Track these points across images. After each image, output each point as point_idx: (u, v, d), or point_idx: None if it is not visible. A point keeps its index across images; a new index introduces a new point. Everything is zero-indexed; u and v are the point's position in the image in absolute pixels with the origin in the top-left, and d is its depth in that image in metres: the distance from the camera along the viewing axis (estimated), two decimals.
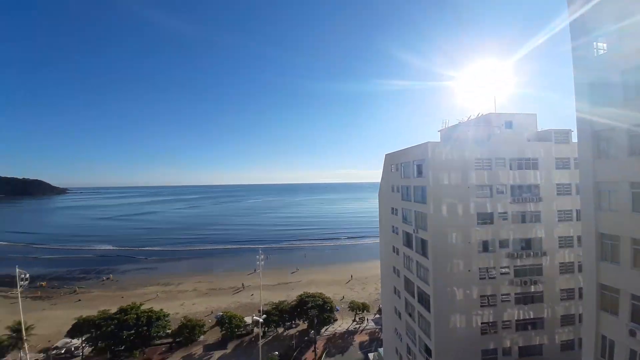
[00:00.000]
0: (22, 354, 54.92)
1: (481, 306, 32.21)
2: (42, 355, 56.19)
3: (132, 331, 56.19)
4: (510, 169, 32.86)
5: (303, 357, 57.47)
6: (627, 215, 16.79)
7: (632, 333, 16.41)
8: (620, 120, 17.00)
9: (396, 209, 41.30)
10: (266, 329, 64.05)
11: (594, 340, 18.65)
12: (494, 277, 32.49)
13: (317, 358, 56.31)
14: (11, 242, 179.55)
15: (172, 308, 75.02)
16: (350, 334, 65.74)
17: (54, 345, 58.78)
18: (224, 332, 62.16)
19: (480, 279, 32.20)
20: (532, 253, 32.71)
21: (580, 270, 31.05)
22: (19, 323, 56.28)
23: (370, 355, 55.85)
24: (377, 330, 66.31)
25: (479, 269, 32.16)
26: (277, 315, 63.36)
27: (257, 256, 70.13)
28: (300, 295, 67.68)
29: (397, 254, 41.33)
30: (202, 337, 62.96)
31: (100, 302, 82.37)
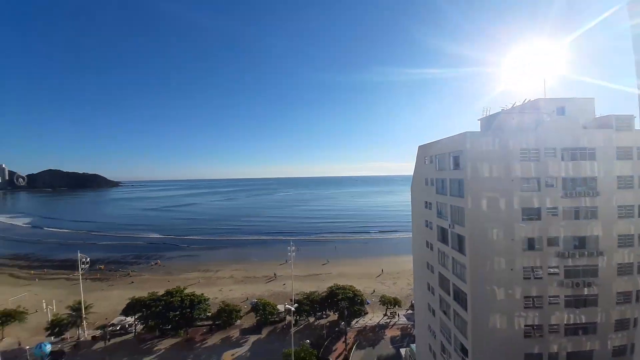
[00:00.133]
0: (80, 331, 62.65)
1: (525, 307, 30.01)
2: (99, 331, 63.57)
3: (177, 312, 61.23)
4: (562, 159, 29.80)
5: (334, 347, 58.44)
6: None
7: None
8: None
9: (430, 203, 39.72)
10: (298, 318, 66.00)
11: None
12: (540, 278, 30.03)
13: (347, 349, 56.93)
14: (73, 229, 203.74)
15: (212, 293, 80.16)
16: (381, 328, 65.38)
17: (110, 322, 66.05)
18: (258, 318, 65.27)
19: (524, 278, 29.94)
20: (586, 252, 29.66)
21: None
22: (79, 302, 64.13)
23: (402, 350, 55.18)
24: (409, 325, 65.17)
25: (523, 268, 29.90)
26: (308, 305, 64.90)
27: (289, 247, 72.32)
28: (331, 287, 68.52)
29: (431, 249, 39.90)
30: (238, 322, 66.68)
31: (149, 284, 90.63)
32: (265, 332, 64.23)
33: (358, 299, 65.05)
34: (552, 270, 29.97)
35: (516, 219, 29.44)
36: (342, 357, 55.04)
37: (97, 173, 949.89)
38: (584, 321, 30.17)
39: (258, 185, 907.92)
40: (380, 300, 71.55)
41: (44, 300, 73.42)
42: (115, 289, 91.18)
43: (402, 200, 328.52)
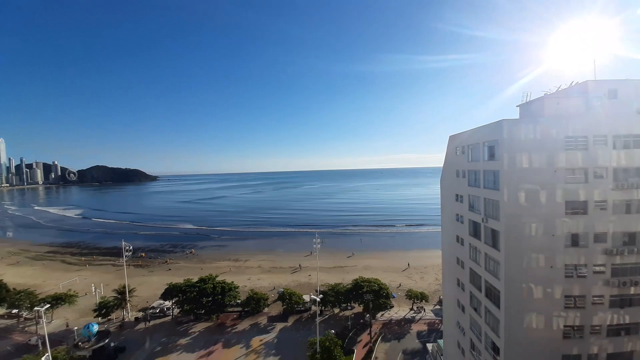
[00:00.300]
0: (124, 313, 68.47)
1: (565, 307, 27.97)
2: (141, 313, 69.09)
3: (210, 298, 64.78)
4: (614, 148, 26.89)
5: (358, 338, 58.71)
6: None
7: None
8: None
9: (461, 196, 37.88)
10: (323, 308, 67.03)
11: None
12: (584, 276, 27.71)
13: (372, 341, 56.92)
14: (117, 220, 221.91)
15: (241, 281, 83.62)
16: (407, 322, 64.47)
17: (151, 306, 71.46)
18: (285, 306, 67.20)
19: (566, 277, 27.79)
20: (635, 250, 26.86)
21: None
22: (124, 287, 69.95)
23: (429, 345, 54.12)
24: (436, 321, 63.62)
25: (565, 265, 27.72)
26: (333, 296, 65.55)
27: (314, 239, 73.14)
28: (356, 280, 68.51)
29: (462, 244, 38.24)
30: (266, 309, 69.16)
31: (185, 271, 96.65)
32: (291, 320, 66.02)
33: (383, 292, 64.51)
34: (597, 268, 27.64)
35: (559, 213, 27.17)
36: (367, 348, 55.18)
37: (137, 168, 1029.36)
38: (627, 321, 27.92)
39: (284, 178, 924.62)
40: (406, 295, 70.41)
41: (92, 284, 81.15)
42: (154, 275, 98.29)
43: (429, 193, 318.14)
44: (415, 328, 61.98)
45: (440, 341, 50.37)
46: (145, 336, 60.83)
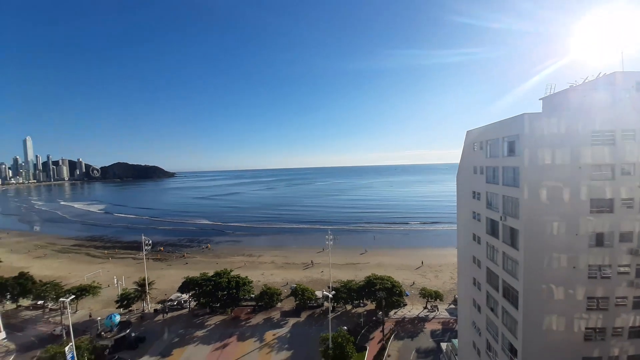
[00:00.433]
0: (144, 304, 71.14)
1: (588, 309, 26.89)
2: (160, 305, 71.58)
3: (225, 292, 66.29)
4: None
5: (371, 336, 58.59)
6: None
7: None
8: None
9: (479, 193, 36.83)
10: (335, 304, 67.25)
11: None
12: (608, 277, 26.57)
13: (385, 338, 56.66)
14: (137, 215, 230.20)
15: (255, 276, 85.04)
16: (420, 320, 63.72)
17: (169, 298, 73.86)
18: (297, 302, 67.90)
19: (589, 277, 26.67)
20: None
21: None
22: (144, 279, 72.59)
23: (443, 345, 53.30)
24: (451, 320, 62.56)
25: (589, 266, 26.56)
26: (346, 293, 65.60)
27: (326, 236, 73.19)
28: (369, 277, 68.24)
29: (479, 242, 37.26)
30: (279, 304, 70.10)
31: (201, 266, 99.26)
32: (304, 315, 66.65)
33: (397, 290, 63.98)
34: (622, 269, 26.50)
35: (583, 211, 25.99)
36: (379, 345, 55.00)
37: (156, 165, 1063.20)
38: None
39: (297, 175, 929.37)
40: (420, 293, 69.54)
41: (115, 276, 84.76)
42: (172, 268, 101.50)
43: (444, 190, 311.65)
44: (429, 327, 61.20)
45: (455, 341, 49.52)
46: (164, 327, 63.06)
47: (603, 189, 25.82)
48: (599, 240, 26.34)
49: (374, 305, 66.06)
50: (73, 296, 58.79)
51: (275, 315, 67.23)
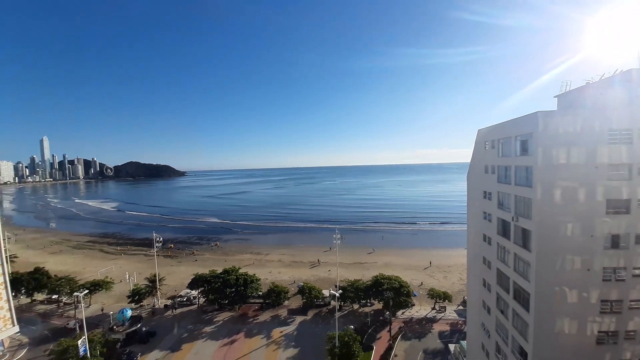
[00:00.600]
0: (155, 300, 72.58)
1: (601, 312, 26.19)
2: (170, 301, 72.91)
3: (233, 289, 67.09)
4: None
5: (378, 335, 58.31)
6: None
7: None
8: None
9: (490, 193, 36.16)
10: (342, 303, 67.19)
11: None
12: (622, 280, 25.81)
13: (392, 338, 56.30)
14: (149, 213, 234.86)
15: (262, 274, 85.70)
16: (428, 321, 63.05)
17: (179, 294, 75.20)
18: (304, 300, 68.13)
19: (603, 280, 25.95)
20: None
21: None
22: (155, 275, 74.01)
23: (451, 346, 52.61)
24: (459, 322, 61.69)
25: (604, 268, 25.80)
26: (353, 292, 65.44)
27: (334, 235, 73.14)
28: (376, 276, 67.87)
29: (489, 243, 36.60)
30: (286, 302, 70.48)
31: (210, 263, 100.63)
32: (310, 314, 66.82)
33: (404, 290, 63.44)
34: (637, 271, 25.81)
35: (599, 212, 25.25)
36: (386, 345, 54.68)
37: (167, 164, 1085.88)
38: None
39: (305, 174, 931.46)
40: (428, 294, 68.79)
41: (127, 272, 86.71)
42: (182, 265, 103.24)
43: (454, 190, 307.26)
44: (437, 328, 60.51)
45: (463, 342, 48.85)
46: (174, 323, 64.21)
47: (620, 189, 25.02)
48: (615, 242, 25.62)
49: (381, 305, 65.69)
50: (87, 291, 60.33)
51: (283, 313, 67.61)
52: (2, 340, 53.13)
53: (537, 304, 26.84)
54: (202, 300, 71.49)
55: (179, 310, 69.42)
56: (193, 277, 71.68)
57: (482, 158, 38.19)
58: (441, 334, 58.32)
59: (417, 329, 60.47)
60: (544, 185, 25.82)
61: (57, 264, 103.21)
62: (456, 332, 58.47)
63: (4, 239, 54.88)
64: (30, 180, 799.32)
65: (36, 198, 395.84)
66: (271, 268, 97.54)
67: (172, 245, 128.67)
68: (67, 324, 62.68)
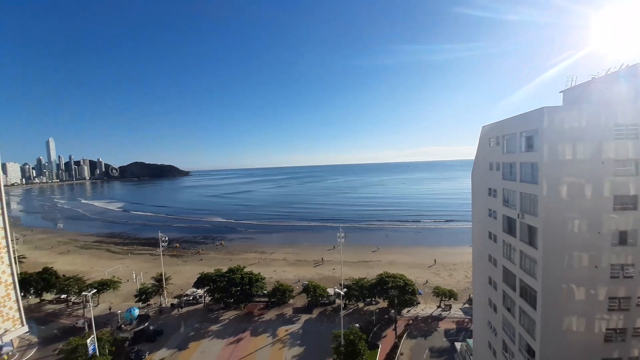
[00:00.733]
0: (162, 299, 73.34)
1: (609, 310, 26.01)
2: (176, 300, 73.63)
3: (238, 288, 67.52)
4: None
5: (383, 334, 58.38)
6: None
7: None
8: None
9: (495, 190, 35.95)
10: (347, 302, 67.31)
11: None
12: (630, 276, 25.62)
13: (397, 337, 56.33)
14: (154, 213, 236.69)
15: (267, 273, 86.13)
16: (434, 319, 62.96)
17: (185, 293, 75.89)
18: (309, 299, 68.35)
19: (611, 277, 25.74)
20: None
21: None
22: (161, 274, 74.77)
23: (457, 344, 52.53)
24: (465, 320, 61.51)
25: (611, 265, 25.59)
26: (357, 290, 65.53)
27: (338, 234, 73.22)
28: (381, 275, 67.87)
29: (495, 241, 36.41)
30: (291, 301, 70.78)
31: (215, 262, 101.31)
32: (315, 312, 67.07)
33: (409, 289, 63.36)
34: None
35: (606, 208, 25.00)
36: (392, 344, 54.74)
37: (171, 164, 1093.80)
38: None
39: (307, 173, 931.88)
40: (433, 292, 68.66)
41: (133, 272, 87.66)
42: (187, 264, 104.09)
43: (458, 187, 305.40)
44: (442, 326, 60.40)
45: (470, 340, 48.71)
46: (180, 321, 64.88)
47: (627, 185, 24.75)
48: (622, 238, 25.36)
49: (386, 303, 65.70)
50: (95, 290, 61.05)
51: (288, 311, 67.94)
52: (11, 340, 53.85)
53: (544, 301, 26.70)
54: (208, 299, 72.08)
55: (185, 309, 70.10)
56: (199, 276, 72.28)
57: (487, 155, 37.95)
58: (447, 332, 58.22)
59: (423, 327, 60.42)
60: (549, 181, 25.62)
61: (65, 264, 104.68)
62: (462, 330, 58.33)
63: (12, 240, 55.47)
64: (37, 181, 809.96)
65: (43, 199, 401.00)
66: (276, 267, 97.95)
67: (177, 245, 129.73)
68: (76, 323, 63.57)
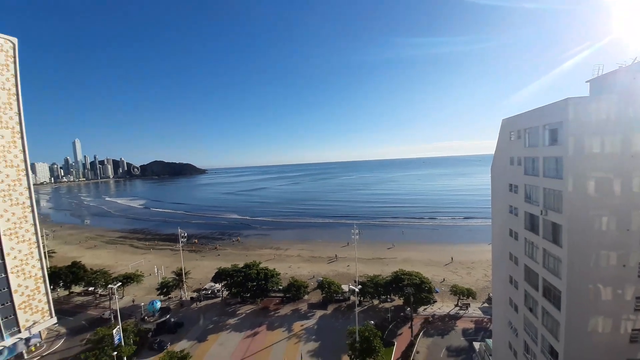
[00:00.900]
0: (182, 292, 75.94)
1: (636, 310, 24.66)
2: (195, 293, 76.06)
3: (254, 283, 68.92)
4: None
5: (399, 332, 57.95)
6: None
7: None
8: None
9: (516, 186, 34.65)
10: (362, 299, 67.20)
11: None
12: None
13: (413, 335, 55.76)
14: (173, 210, 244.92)
15: (282, 269, 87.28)
16: (451, 318, 61.82)
17: (203, 287, 78.23)
18: (324, 295, 68.77)
19: (639, 276, 24.31)
20: None
21: None
22: (181, 269, 77.37)
23: (476, 344, 51.35)
24: (484, 319, 60.03)
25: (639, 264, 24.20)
26: (372, 287, 65.24)
27: (352, 230, 73.11)
28: (396, 272, 67.27)
29: (516, 238, 35.18)
30: (306, 297, 71.50)
31: (232, 257, 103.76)
32: (330, 308, 67.42)
33: (425, 287, 62.47)
34: None
35: (635, 204, 23.57)
36: (408, 342, 54.27)
37: (189, 162, 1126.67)
38: None
39: (321, 169, 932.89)
40: (451, 290, 67.34)
41: (155, 266, 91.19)
42: (206, 259, 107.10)
43: (476, 183, 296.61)
44: (460, 325, 59.23)
45: (489, 340, 47.49)
46: (200, 314, 67.02)
47: None
48: None
49: (402, 301, 65.10)
50: (120, 283, 63.97)
51: (303, 307, 68.68)
52: (39, 332, 56.45)
53: (569, 301, 25.59)
54: (225, 293, 73.99)
55: (204, 303, 72.31)
56: (216, 271, 74.24)
57: (507, 149, 36.58)
58: (465, 332, 57.06)
59: (440, 325, 59.49)
60: (575, 176, 24.39)
61: (92, 258, 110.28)
62: (481, 330, 57.01)
63: (42, 236, 58.90)
64: (65, 180, 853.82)
65: (71, 197, 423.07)
66: (290, 263, 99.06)
67: (196, 241, 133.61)
68: (103, 314, 66.97)
